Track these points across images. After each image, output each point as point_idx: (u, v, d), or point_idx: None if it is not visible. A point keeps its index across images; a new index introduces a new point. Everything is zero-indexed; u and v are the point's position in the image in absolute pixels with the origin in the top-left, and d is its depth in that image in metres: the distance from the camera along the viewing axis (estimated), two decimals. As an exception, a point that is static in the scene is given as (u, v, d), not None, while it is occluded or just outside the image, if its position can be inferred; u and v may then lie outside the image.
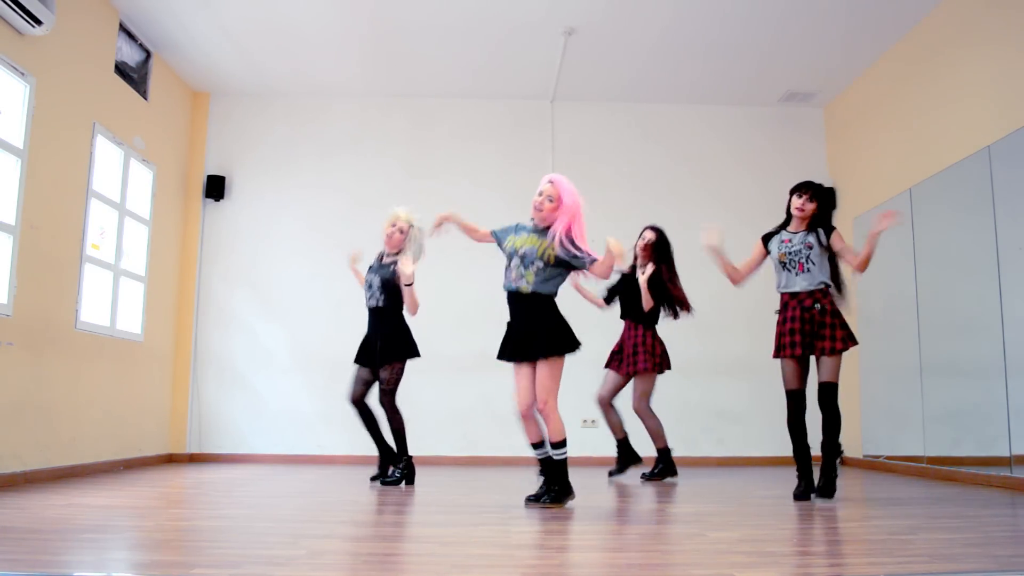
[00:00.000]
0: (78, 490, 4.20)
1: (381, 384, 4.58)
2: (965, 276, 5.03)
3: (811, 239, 4.09)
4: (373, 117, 7.10)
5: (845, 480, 5.30)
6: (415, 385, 6.56)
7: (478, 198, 6.93)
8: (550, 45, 6.12)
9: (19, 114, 4.55)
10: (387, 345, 4.56)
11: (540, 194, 3.85)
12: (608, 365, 5.26)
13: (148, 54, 6.16)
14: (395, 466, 4.63)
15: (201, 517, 3.25)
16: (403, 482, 4.61)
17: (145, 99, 6.11)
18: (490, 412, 6.62)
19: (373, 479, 4.73)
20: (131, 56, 5.93)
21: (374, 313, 4.64)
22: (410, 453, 4.66)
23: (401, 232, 4.60)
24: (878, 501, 4.04)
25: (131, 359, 5.86)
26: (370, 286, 4.66)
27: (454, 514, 3.47)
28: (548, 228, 3.74)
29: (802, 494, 3.93)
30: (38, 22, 4.45)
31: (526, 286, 3.62)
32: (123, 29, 5.75)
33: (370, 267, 4.75)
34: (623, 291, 5.20)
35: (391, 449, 4.69)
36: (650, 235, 5.11)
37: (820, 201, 4.15)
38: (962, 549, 2.51)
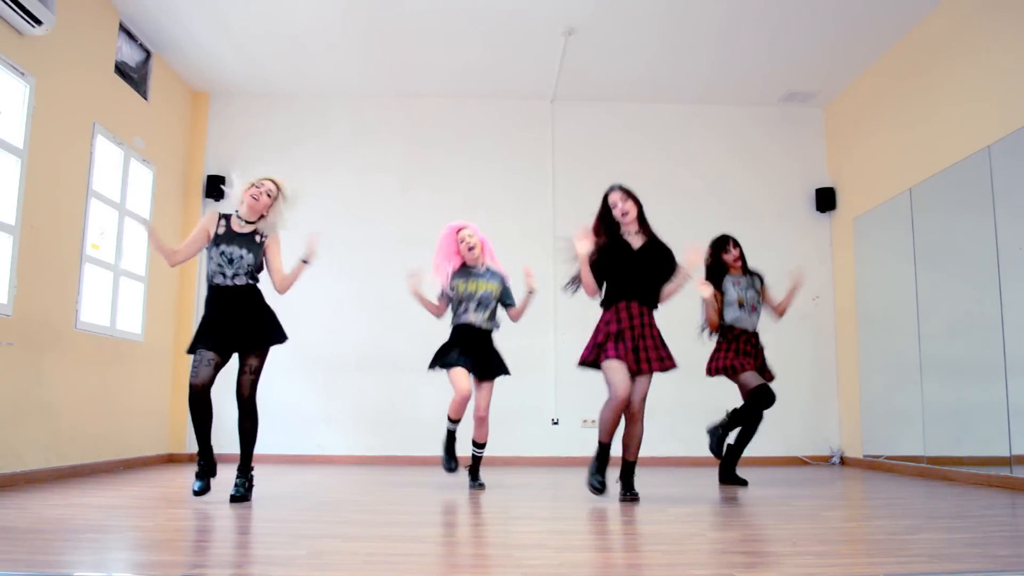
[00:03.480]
0: (78, 490, 4.20)
1: (252, 374, 3.85)
2: (965, 276, 5.03)
3: (756, 285, 4.90)
4: (373, 117, 7.10)
5: (845, 480, 5.31)
6: (414, 386, 6.58)
7: (478, 198, 6.94)
8: (550, 45, 6.12)
9: (19, 114, 4.55)
10: (265, 327, 3.87)
11: (470, 237, 4.55)
12: (619, 356, 3.84)
13: (148, 54, 6.16)
14: (244, 476, 3.89)
15: (201, 517, 3.25)
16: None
17: (145, 99, 6.11)
18: (490, 412, 6.61)
19: (198, 493, 3.78)
20: (131, 56, 5.93)
21: (235, 292, 3.84)
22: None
23: (269, 196, 3.92)
24: (878, 501, 4.04)
25: (131, 359, 5.86)
26: (231, 260, 3.83)
27: (454, 514, 3.47)
28: (482, 271, 4.57)
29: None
30: (38, 22, 4.45)
31: (484, 324, 4.52)
32: (123, 29, 5.75)
33: (220, 236, 3.87)
34: (616, 265, 3.96)
35: (213, 455, 3.92)
36: (631, 204, 4.05)
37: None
38: (962, 549, 2.51)
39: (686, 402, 6.57)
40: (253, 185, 3.91)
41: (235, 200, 3.99)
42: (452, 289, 4.52)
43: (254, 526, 3.05)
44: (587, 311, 7.37)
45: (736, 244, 4.89)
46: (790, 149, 7.16)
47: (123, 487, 4.44)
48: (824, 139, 7.17)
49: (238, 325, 3.80)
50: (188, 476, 5.23)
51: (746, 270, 4.92)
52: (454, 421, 4.54)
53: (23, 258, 4.52)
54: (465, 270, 4.56)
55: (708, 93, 6.97)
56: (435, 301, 4.60)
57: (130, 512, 3.43)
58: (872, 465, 6.15)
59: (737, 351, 4.75)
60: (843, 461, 6.66)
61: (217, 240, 3.85)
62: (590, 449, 6.50)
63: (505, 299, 4.61)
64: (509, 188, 7.03)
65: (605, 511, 3.55)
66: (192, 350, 3.77)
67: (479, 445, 4.62)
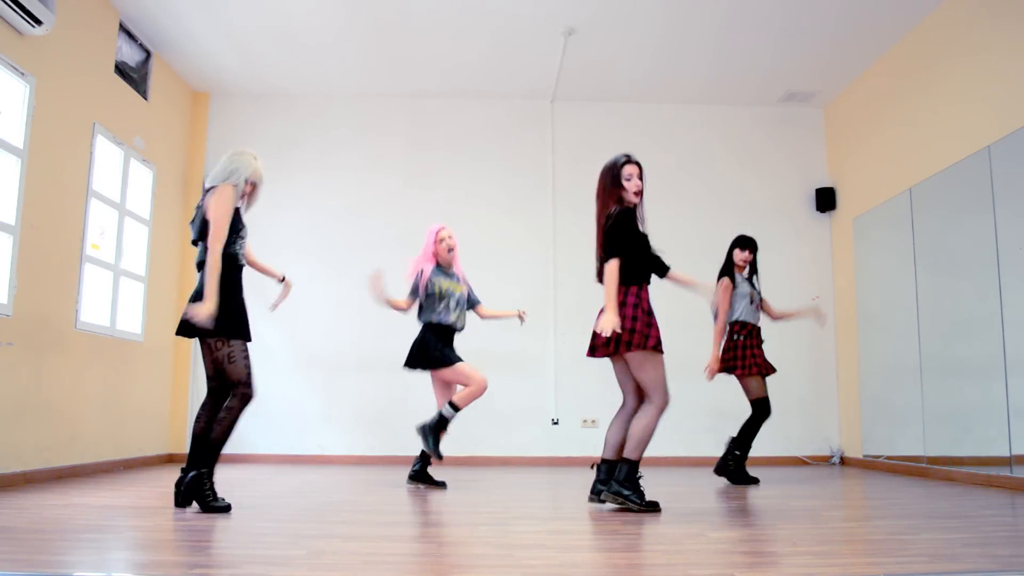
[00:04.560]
0: (78, 490, 4.20)
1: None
2: (965, 276, 5.03)
3: (756, 286, 5.13)
4: (373, 117, 7.10)
5: (845, 480, 5.31)
6: (415, 385, 6.58)
7: (478, 198, 6.94)
8: (550, 45, 6.12)
9: (19, 114, 4.55)
10: None
11: (450, 238, 4.66)
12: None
13: (148, 54, 6.16)
14: (209, 481, 3.50)
15: (201, 517, 3.25)
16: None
17: (145, 99, 6.11)
18: (490, 412, 6.62)
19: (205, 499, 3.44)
20: (131, 56, 5.93)
21: (241, 273, 3.61)
22: None
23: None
24: (878, 501, 4.04)
25: (131, 359, 5.86)
26: (243, 237, 3.60)
27: (454, 514, 3.47)
28: (453, 273, 4.69)
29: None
30: (38, 22, 4.45)
31: (460, 324, 4.64)
32: (123, 29, 5.75)
33: (240, 215, 3.59)
34: (643, 241, 3.66)
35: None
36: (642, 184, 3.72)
37: (755, 252, 5.13)
38: (962, 549, 2.51)
39: (686, 402, 6.58)
40: (254, 181, 3.59)
41: (243, 175, 3.53)
42: (430, 287, 4.57)
43: (254, 526, 3.05)
44: (587, 311, 7.31)
45: (753, 250, 5.05)
46: (790, 149, 7.16)
47: (123, 487, 4.44)
48: (824, 139, 7.17)
49: (245, 310, 3.57)
50: (188, 476, 5.22)
51: (750, 276, 5.10)
52: (458, 409, 4.48)
53: (23, 258, 4.52)
54: (440, 270, 4.65)
55: (708, 93, 6.97)
56: (403, 300, 4.67)
57: (130, 512, 3.42)
58: (872, 465, 6.15)
59: (754, 349, 4.92)
60: (843, 461, 6.66)
61: (240, 218, 3.56)
62: (590, 449, 6.55)
63: (472, 298, 4.82)
64: (509, 188, 7.04)
65: (605, 511, 3.55)
66: (248, 338, 3.48)
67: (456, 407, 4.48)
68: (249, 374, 3.49)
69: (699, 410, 6.63)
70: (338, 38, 6.05)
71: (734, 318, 4.95)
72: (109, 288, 5.60)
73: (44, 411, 4.73)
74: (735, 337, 4.94)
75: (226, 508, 3.41)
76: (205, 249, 3.44)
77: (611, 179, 3.69)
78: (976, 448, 4.92)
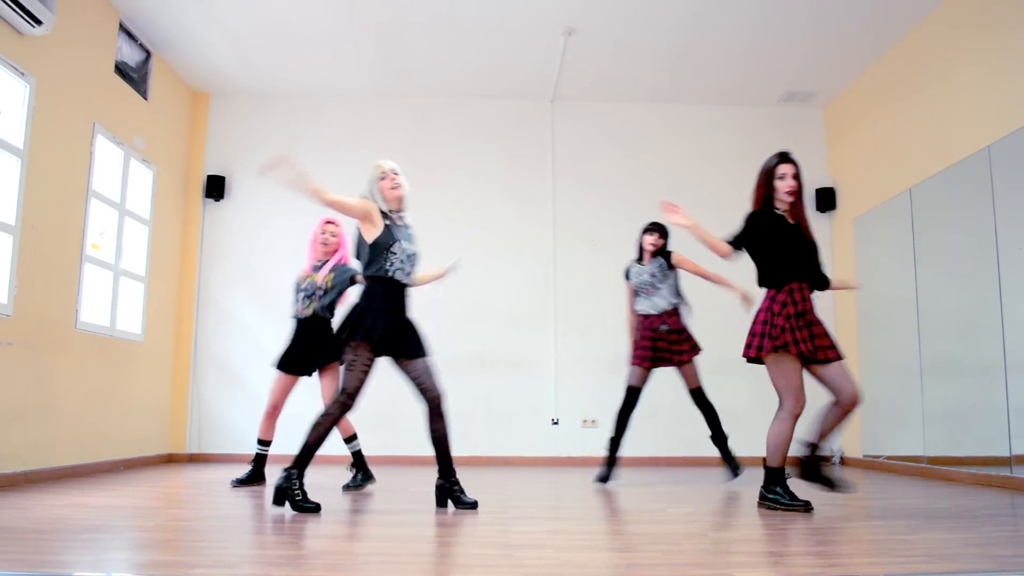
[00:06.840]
0: (78, 490, 4.20)
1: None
2: (965, 276, 5.03)
3: (653, 268, 4.88)
4: (373, 117, 7.10)
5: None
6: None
7: (478, 198, 6.94)
8: (550, 45, 6.12)
9: (19, 114, 4.55)
10: (419, 333, 3.78)
11: (324, 232, 4.60)
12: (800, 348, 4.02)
13: (148, 54, 6.16)
14: (298, 481, 3.47)
15: (201, 517, 3.25)
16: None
17: (145, 99, 6.11)
18: (490, 412, 6.62)
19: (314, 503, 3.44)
20: (131, 56, 5.93)
21: (407, 294, 3.72)
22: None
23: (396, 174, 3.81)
24: (878, 501, 4.04)
25: (131, 359, 5.86)
26: (411, 258, 3.67)
27: (454, 514, 3.47)
28: (320, 265, 4.60)
29: (603, 477, 4.76)
30: (38, 22, 4.45)
31: (304, 313, 4.59)
32: (123, 29, 5.75)
33: (396, 231, 3.67)
34: (788, 238, 3.64)
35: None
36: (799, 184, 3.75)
37: (664, 236, 4.95)
38: (962, 549, 2.51)
39: (687, 402, 6.57)
40: (383, 177, 3.71)
41: (372, 189, 3.74)
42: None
43: (254, 526, 3.05)
44: (587, 311, 7.36)
45: (662, 235, 4.93)
46: (790, 149, 7.14)
47: (123, 487, 4.44)
48: (824, 139, 7.17)
49: (405, 329, 3.57)
50: (188, 476, 5.23)
51: (657, 256, 4.91)
52: (262, 443, 4.76)
53: (23, 258, 4.52)
54: (313, 267, 4.65)
55: (708, 93, 6.97)
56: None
57: (130, 512, 3.42)
58: (872, 465, 6.15)
59: (644, 342, 4.82)
60: (843, 461, 6.65)
61: (397, 234, 3.59)
62: (590, 449, 6.56)
63: (343, 279, 4.54)
64: (509, 188, 7.03)
65: (605, 511, 3.55)
66: (379, 352, 3.49)
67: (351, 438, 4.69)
68: (359, 389, 3.48)
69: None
70: (338, 38, 6.05)
71: (638, 313, 4.89)
72: (109, 288, 5.60)
73: (44, 411, 4.73)
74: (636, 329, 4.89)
75: (315, 508, 3.38)
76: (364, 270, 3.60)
77: (764, 180, 3.67)
78: (976, 448, 4.92)
